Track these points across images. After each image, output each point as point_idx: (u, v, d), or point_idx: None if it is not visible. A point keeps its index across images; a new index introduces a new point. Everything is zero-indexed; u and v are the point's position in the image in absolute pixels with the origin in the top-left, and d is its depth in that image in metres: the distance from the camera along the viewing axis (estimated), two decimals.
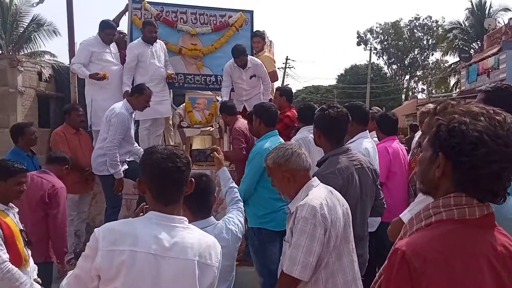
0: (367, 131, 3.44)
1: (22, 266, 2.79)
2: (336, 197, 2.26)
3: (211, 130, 6.23)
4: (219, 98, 6.41)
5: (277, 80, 6.97)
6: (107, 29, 5.47)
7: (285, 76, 32.92)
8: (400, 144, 4.17)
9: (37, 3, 5.26)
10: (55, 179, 3.75)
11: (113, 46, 5.64)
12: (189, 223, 1.62)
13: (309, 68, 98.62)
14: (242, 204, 2.68)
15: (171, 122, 6.44)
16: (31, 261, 2.95)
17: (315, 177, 2.31)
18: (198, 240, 1.58)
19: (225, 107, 5.16)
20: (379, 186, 2.90)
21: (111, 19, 5.89)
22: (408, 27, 40.00)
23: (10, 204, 2.90)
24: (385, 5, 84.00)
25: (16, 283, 2.68)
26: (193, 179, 1.68)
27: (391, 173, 3.85)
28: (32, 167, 4.35)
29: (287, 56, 33.32)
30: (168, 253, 1.51)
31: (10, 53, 18.94)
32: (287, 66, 33.48)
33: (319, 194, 2.18)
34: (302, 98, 34.08)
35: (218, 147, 3.19)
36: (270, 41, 7.49)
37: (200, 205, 2.23)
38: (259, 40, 6.27)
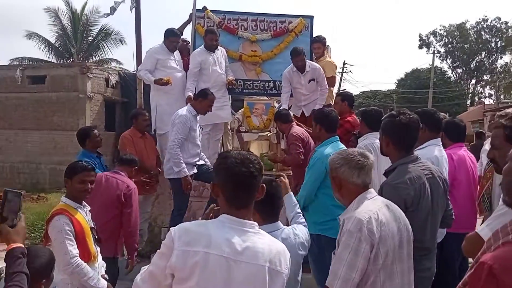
0: (439, 139, 3.30)
1: (90, 262, 2.91)
2: (393, 212, 2.11)
3: (268, 135, 6.27)
4: (276, 104, 6.48)
5: (334, 85, 6.87)
6: (172, 37, 5.68)
7: (342, 81, 32.43)
8: (468, 151, 3.96)
9: (108, 15, 5.55)
10: (128, 179, 3.96)
11: (177, 54, 5.84)
12: (258, 227, 1.65)
13: (367, 72, 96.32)
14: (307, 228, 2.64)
15: (229, 127, 6.58)
16: (99, 257, 3.07)
17: (371, 189, 2.17)
18: (268, 246, 1.59)
19: (280, 115, 5.13)
20: (448, 197, 2.76)
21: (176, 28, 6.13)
22: (475, 29, 37.98)
23: (83, 202, 3.04)
24: (449, 7, 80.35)
25: (84, 278, 2.80)
26: (264, 185, 1.69)
27: (456, 181, 3.66)
28: (101, 167, 4.64)
29: (344, 61, 32.83)
30: (239, 257, 1.52)
31: (80, 61, 20.25)
32: (344, 70, 32.97)
33: (370, 207, 2.05)
34: (359, 103, 33.38)
35: (284, 174, 3.09)
36: (327, 46, 7.42)
37: (270, 209, 2.25)
38: (319, 45, 6.23)
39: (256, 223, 1.65)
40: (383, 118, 2.73)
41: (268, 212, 2.25)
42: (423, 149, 3.22)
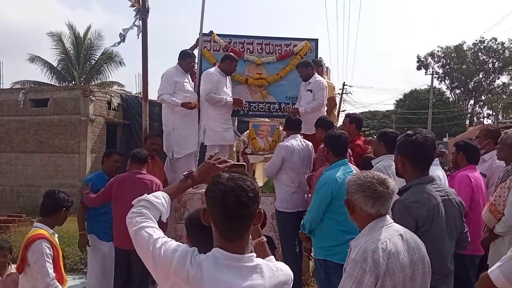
0: (438, 158, 3.29)
1: (63, 286, 3.10)
2: (407, 243, 2.00)
3: None
4: (281, 127, 6.47)
5: (335, 106, 6.82)
6: (188, 58, 5.71)
7: (342, 102, 32.59)
8: (480, 173, 3.94)
9: (118, 43, 5.54)
10: (151, 176, 4.47)
11: (188, 76, 5.85)
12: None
13: (367, 93, 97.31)
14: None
15: (234, 149, 6.56)
16: (68, 284, 3.28)
17: (386, 216, 2.06)
18: (269, 280, 1.47)
19: (325, 122, 4.77)
20: (463, 219, 2.72)
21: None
22: (472, 50, 38.43)
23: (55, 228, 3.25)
24: (446, 29, 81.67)
25: None
26: (262, 210, 1.53)
27: (474, 203, 3.62)
28: None
29: (344, 82, 33.11)
30: None
31: (82, 84, 20.36)
32: (344, 92, 33.20)
33: (380, 236, 1.95)
34: None
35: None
36: (327, 68, 7.47)
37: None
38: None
39: (254, 255, 1.51)
40: (398, 138, 2.69)
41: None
42: None
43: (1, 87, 17.54)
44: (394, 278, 1.89)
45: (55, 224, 3.21)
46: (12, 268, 4.09)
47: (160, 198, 1.73)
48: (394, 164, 3.80)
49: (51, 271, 2.95)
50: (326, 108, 5.95)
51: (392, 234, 1.98)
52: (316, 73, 5.80)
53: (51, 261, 2.98)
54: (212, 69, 5.74)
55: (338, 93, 30.89)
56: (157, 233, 1.56)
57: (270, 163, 4.81)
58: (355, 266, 1.90)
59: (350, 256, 1.96)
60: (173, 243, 1.51)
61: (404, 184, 2.59)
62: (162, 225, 1.65)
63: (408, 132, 2.60)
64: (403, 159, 2.52)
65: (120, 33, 5.53)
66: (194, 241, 1.84)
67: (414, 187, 2.44)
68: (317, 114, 5.55)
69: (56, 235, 3.23)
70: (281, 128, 6.47)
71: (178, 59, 5.72)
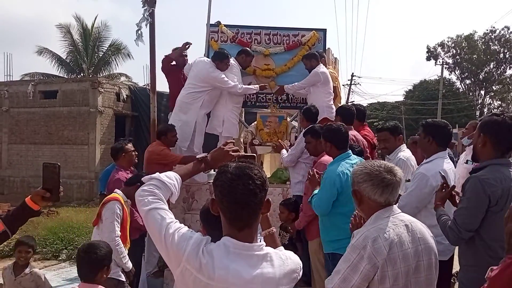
0: (446, 151, 3.22)
1: (125, 246, 3.60)
2: (413, 233, 1.95)
3: None
4: (289, 118, 6.46)
5: (337, 96, 6.60)
6: (226, 59, 5.57)
7: (350, 93, 32.42)
8: None
9: (138, 39, 5.43)
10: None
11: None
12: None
13: (376, 84, 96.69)
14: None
15: (241, 140, 6.57)
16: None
17: (393, 206, 2.01)
18: (279, 268, 1.48)
19: (345, 111, 4.79)
20: None
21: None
22: (483, 39, 37.80)
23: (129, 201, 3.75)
24: (456, 18, 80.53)
25: (120, 256, 3.49)
26: (269, 199, 1.53)
27: None
28: None
29: (352, 73, 32.92)
30: (249, 286, 1.42)
31: (91, 76, 20.42)
32: (353, 82, 32.99)
33: (384, 225, 1.92)
34: (367, 115, 33.22)
35: None
36: (335, 58, 7.42)
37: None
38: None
39: (263, 243, 1.52)
40: (482, 117, 2.58)
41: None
42: (429, 162, 3.13)
43: (11, 79, 17.64)
44: (396, 268, 1.86)
45: (129, 197, 3.66)
46: (32, 267, 3.88)
47: (172, 179, 1.72)
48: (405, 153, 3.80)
49: (117, 229, 3.46)
50: (332, 96, 5.87)
51: (397, 224, 1.95)
52: (320, 64, 5.73)
53: (119, 220, 3.49)
54: (236, 63, 5.75)
55: (344, 85, 30.72)
56: (170, 216, 1.56)
57: (290, 154, 4.90)
58: (353, 252, 1.90)
59: (351, 241, 1.96)
60: (186, 230, 1.51)
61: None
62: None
63: (495, 112, 2.54)
64: (486, 139, 2.40)
65: (137, 30, 5.49)
66: (209, 233, 1.85)
67: (491, 167, 2.35)
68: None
69: (129, 202, 3.70)
70: (288, 119, 6.46)
71: (217, 59, 5.56)
